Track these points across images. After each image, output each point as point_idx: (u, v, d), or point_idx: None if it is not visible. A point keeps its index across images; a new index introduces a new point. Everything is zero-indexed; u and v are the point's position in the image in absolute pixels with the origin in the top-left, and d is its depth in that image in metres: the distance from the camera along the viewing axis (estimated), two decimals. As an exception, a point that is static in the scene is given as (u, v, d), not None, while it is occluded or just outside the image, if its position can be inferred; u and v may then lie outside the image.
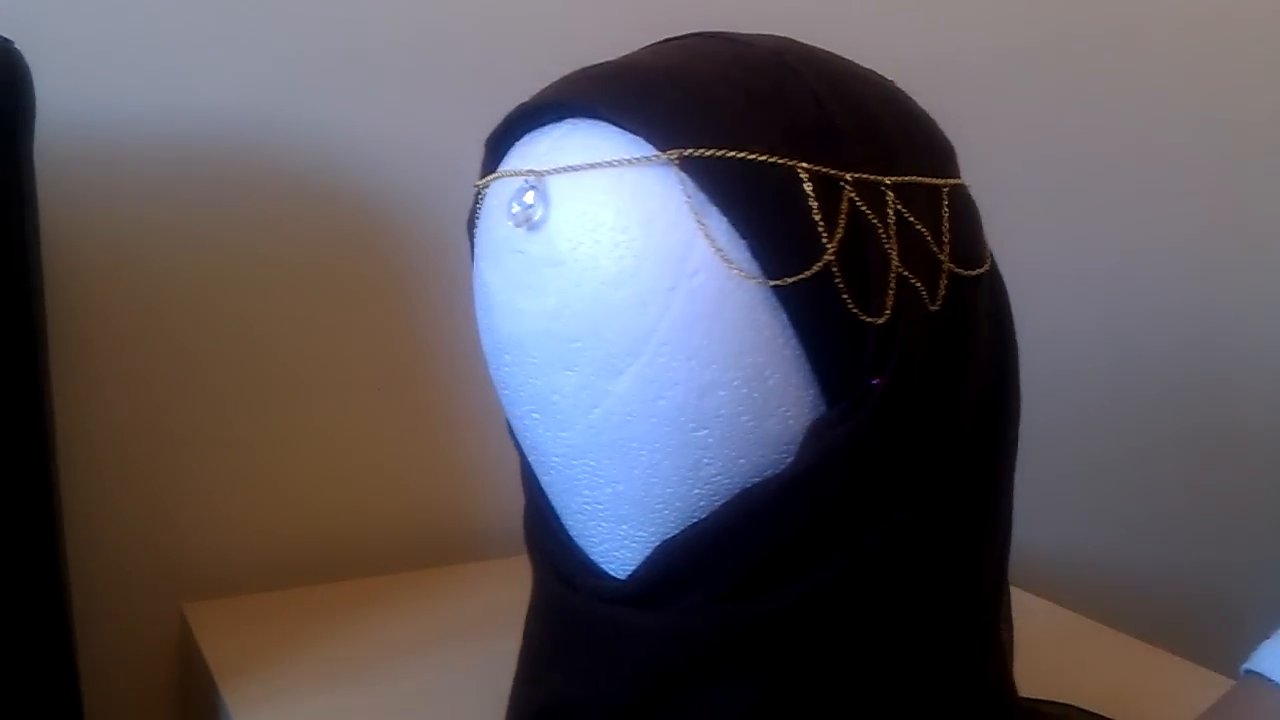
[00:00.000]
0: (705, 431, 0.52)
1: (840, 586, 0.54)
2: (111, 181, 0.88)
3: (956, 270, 0.55)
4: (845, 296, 0.51)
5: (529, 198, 0.52)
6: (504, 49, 0.99)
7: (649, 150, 0.51)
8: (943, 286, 0.54)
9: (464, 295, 0.95)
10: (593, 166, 0.51)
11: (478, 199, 0.58)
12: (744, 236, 0.50)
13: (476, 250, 0.57)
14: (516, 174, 0.53)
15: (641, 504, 0.54)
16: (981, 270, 0.57)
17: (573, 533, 0.58)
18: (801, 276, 0.50)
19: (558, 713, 0.58)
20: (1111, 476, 1.33)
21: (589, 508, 0.55)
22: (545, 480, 0.57)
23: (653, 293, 0.51)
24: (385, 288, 0.99)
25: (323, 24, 0.93)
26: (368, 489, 1.00)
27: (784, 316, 0.51)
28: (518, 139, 0.56)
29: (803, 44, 0.57)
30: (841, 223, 0.51)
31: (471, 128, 0.95)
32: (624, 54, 0.60)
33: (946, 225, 0.55)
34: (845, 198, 0.51)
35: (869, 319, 0.51)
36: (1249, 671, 0.59)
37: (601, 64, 0.57)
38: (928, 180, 0.55)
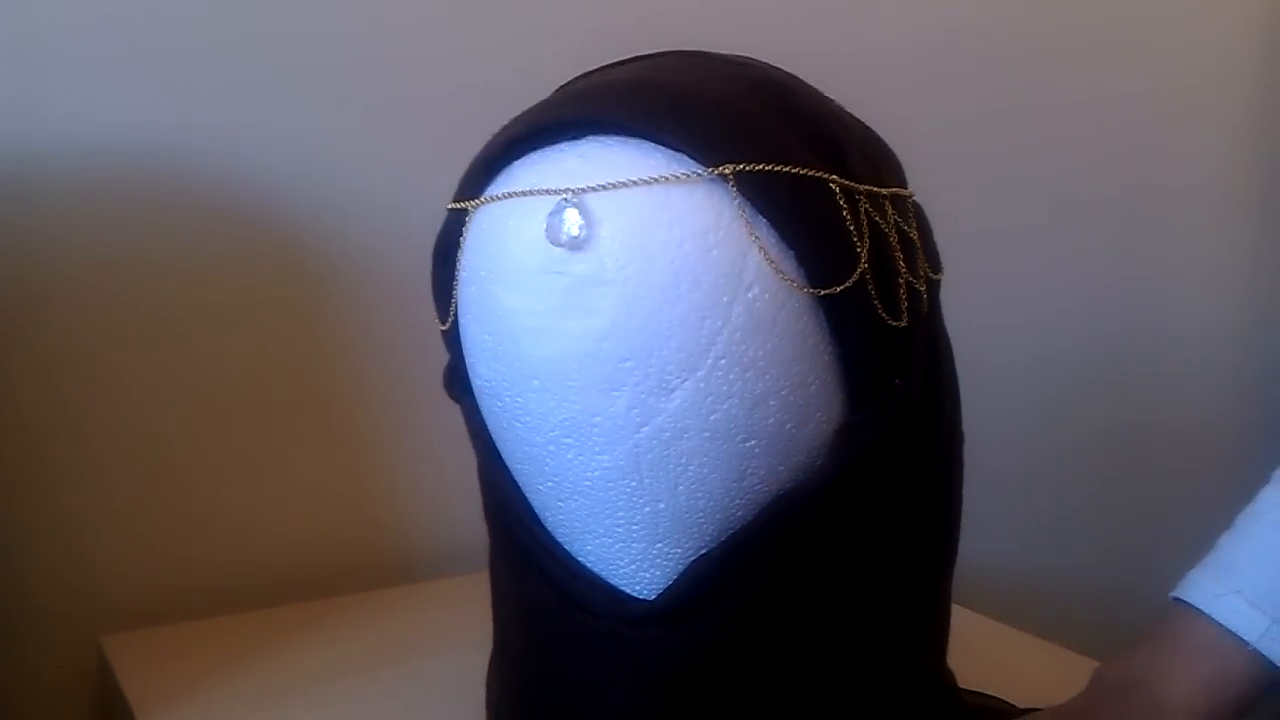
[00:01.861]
0: (754, 441, 0.53)
1: (858, 584, 0.56)
2: (27, 200, 0.86)
3: (931, 275, 0.59)
4: (876, 302, 0.53)
5: (572, 216, 0.51)
6: (430, 80, 0.99)
7: (689, 165, 0.51)
8: (924, 291, 0.58)
9: (395, 316, 0.97)
10: (644, 183, 0.51)
11: (464, 221, 0.56)
12: (791, 248, 0.51)
13: (480, 274, 0.54)
14: (550, 193, 0.51)
15: (682, 520, 0.54)
16: (942, 275, 0.61)
17: (590, 558, 0.56)
18: (846, 285, 0.52)
19: None
20: (1020, 481, 1.33)
21: (620, 529, 0.54)
22: (561, 507, 0.56)
23: (711, 307, 0.51)
24: (310, 309, 0.97)
25: (254, 50, 0.92)
26: (290, 514, 0.98)
27: (825, 324, 0.53)
28: (518, 158, 0.54)
29: (773, 65, 0.59)
30: (865, 232, 0.53)
31: (404, 154, 0.96)
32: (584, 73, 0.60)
33: (917, 233, 0.58)
34: (861, 209, 0.54)
35: (894, 323, 0.54)
36: (1176, 600, 0.65)
37: (602, 81, 0.56)
38: (902, 191, 0.58)
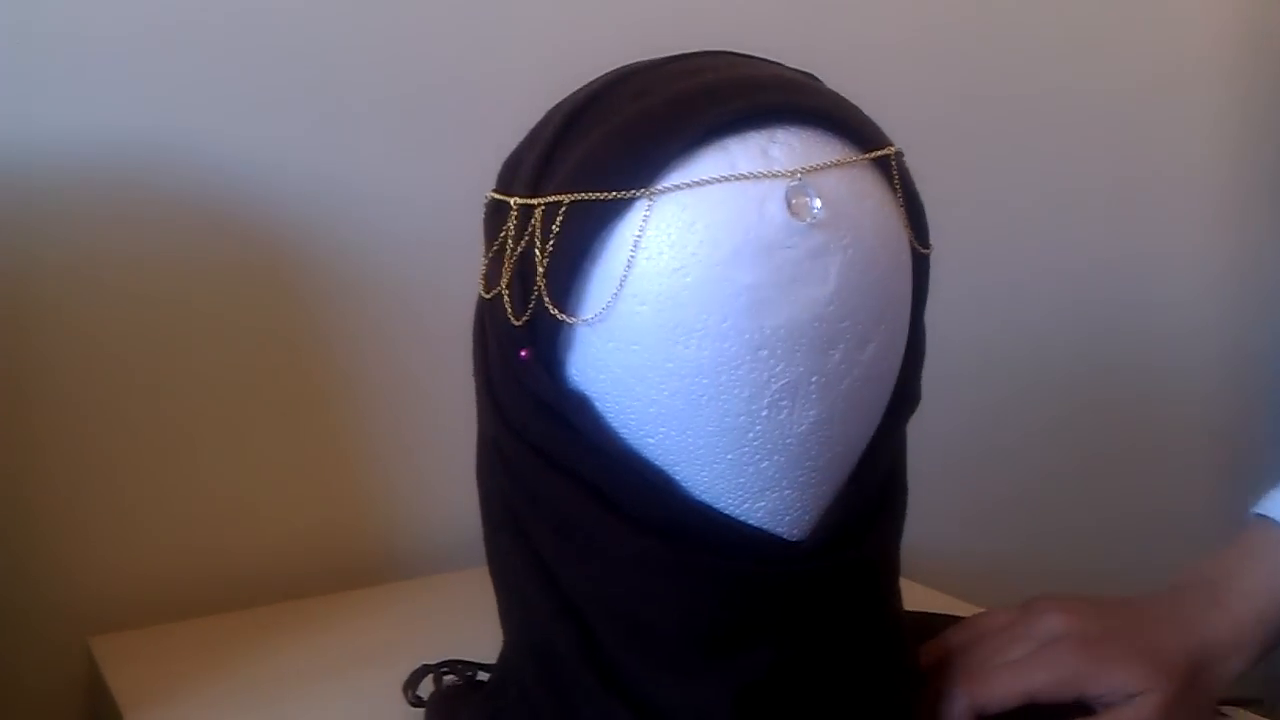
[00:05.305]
0: (889, 384, 0.63)
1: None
2: (27, 197, 0.87)
3: None
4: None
5: (811, 196, 0.56)
6: (408, 78, 1.00)
7: (857, 149, 0.59)
8: None
9: (382, 317, 0.99)
10: (849, 163, 0.58)
11: (622, 213, 0.57)
12: (910, 216, 0.62)
13: (689, 257, 0.56)
14: (780, 175, 0.56)
15: (846, 461, 0.61)
16: None
17: (761, 513, 0.60)
18: (933, 248, 0.64)
19: (778, 680, 0.61)
20: (998, 462, 1.30)
21: (803, 478, 0.60)
22: (749, 470, 0.58)
23: (892, 268, 0.60)
24: (283, 310, 0.98)
25: (227, 44, 0.93)
26: (272, 514, 0.99)
27: (912, 280, 0.64)
28: (699, 146, 0.57)
29: None
30: None
31: (398, 157, 0.98)
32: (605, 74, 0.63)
33: None
34: None
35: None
36: (1258, 515, 0.71)
37: (741, 76, 0.60)
38: None
